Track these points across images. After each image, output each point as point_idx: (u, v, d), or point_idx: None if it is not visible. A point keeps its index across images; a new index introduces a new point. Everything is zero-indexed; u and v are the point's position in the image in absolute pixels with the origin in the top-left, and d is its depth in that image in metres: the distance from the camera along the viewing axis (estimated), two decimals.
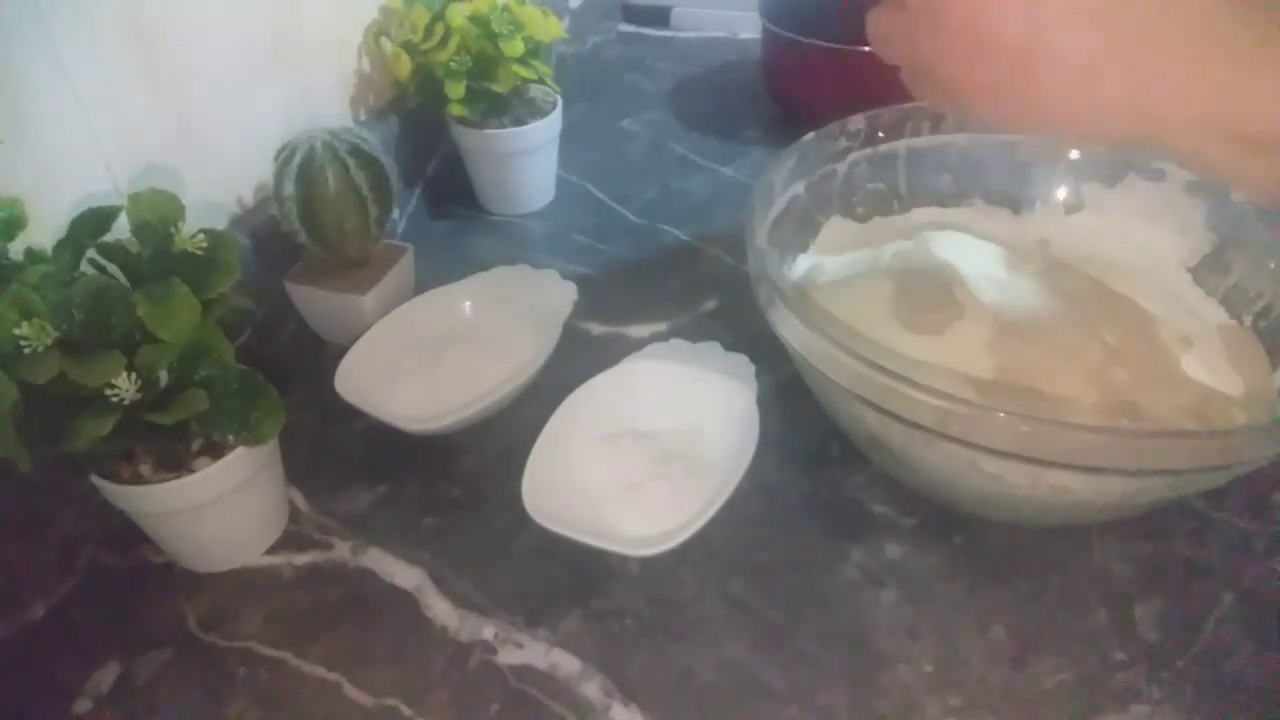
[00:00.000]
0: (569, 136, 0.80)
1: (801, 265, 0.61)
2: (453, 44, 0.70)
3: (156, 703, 0.45)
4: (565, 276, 0.67)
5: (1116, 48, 0.28)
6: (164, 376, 0.44)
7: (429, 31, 0.70)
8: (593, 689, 0.45)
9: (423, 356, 0.61)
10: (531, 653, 0.47)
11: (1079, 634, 0.47)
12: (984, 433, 0.40)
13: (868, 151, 0.63)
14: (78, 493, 0.49)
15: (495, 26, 0.69)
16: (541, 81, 0.75)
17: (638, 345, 0.61)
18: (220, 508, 0.48)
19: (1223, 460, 0.39)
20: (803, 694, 0.44)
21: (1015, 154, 0.64)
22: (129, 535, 0.50)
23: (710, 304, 0.69)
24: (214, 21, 0.58)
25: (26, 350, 0.38)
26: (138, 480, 0.46)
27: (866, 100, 0.62)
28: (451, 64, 0.70)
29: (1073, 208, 0.64)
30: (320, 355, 0.65)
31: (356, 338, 0.60)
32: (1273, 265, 0.55)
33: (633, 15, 1.16)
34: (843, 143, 0.61)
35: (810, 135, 0.59)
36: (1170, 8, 0.28)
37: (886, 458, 0.51)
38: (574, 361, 0.59)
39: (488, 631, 0.48)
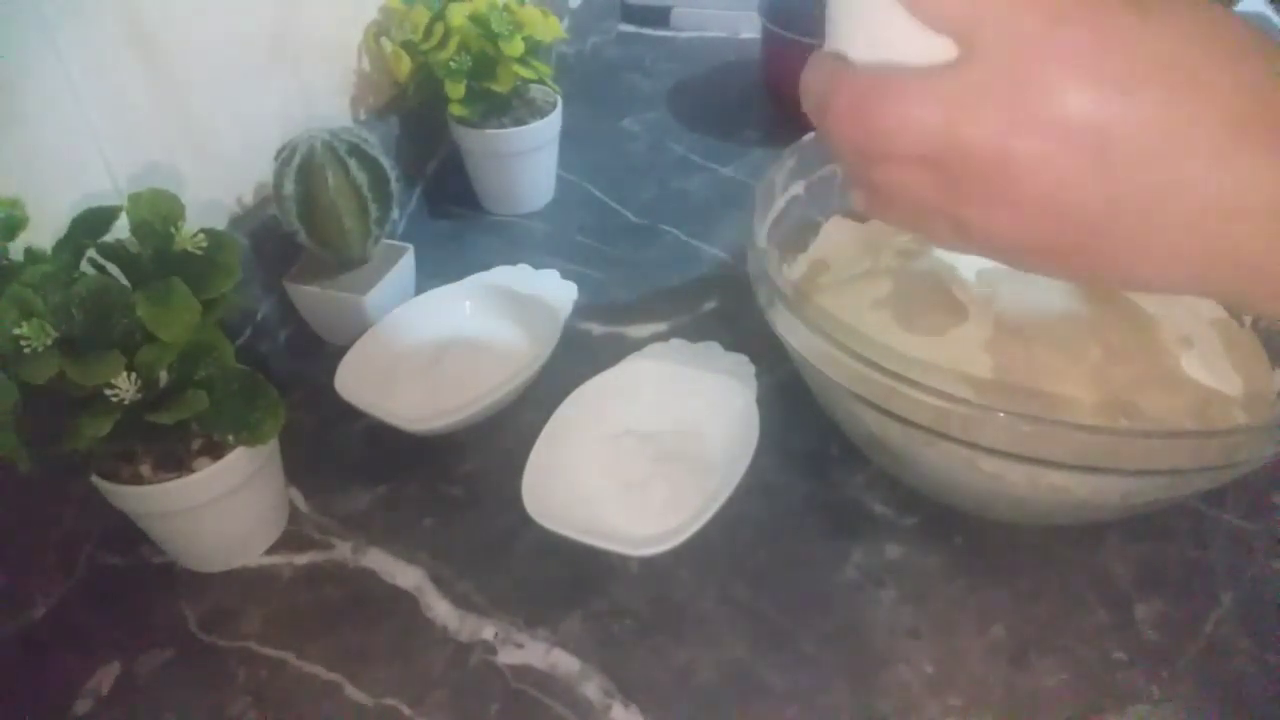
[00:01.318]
0: (569, 136, 0.80)
1: (801, 265, 0.61)
2: (453, 44, 0.70)
3: (156, 703, 0.45)
4: (565, 276, 0.67)
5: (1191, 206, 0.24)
6: (164, 376, 0.44)
7: (429, 31, 0.70)
8: (592, 689, 0.45)
9: (423, 356, 0.61)
10: (531, 653, 0.47)
11: (1079, 634, 0.47)
12: (983, 432, 0.40)
13: None
14: (78, 493, 0.49)
15: (495, 26, 0.69)
16: (541, 81, 0.75)
17: (638, 345, 0.61)
18: (220, 508, 0.48)
19: (1223, 460, 0.39)
20: (803, 694, 0.44)
21: None
22: (129, 535, 0.50)
23: (710, 304, 0.69)
24: (214, 21, 0.58)
25: (26, 350, 0.38)
26: (138, 480, 0.46)
27: None
28: (451, 64, 0.70)
29: None
30: (320, 355, 0.65)
31: (356, 338, 0.60)
32: None
33: (632, 15, 1.16)
34: None
35: (810, 135, 0.59)
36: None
37: (886, 458, 0.51)
38: (574, 361, 0.59)
39: (488, 631, 0.48)
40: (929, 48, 0.25)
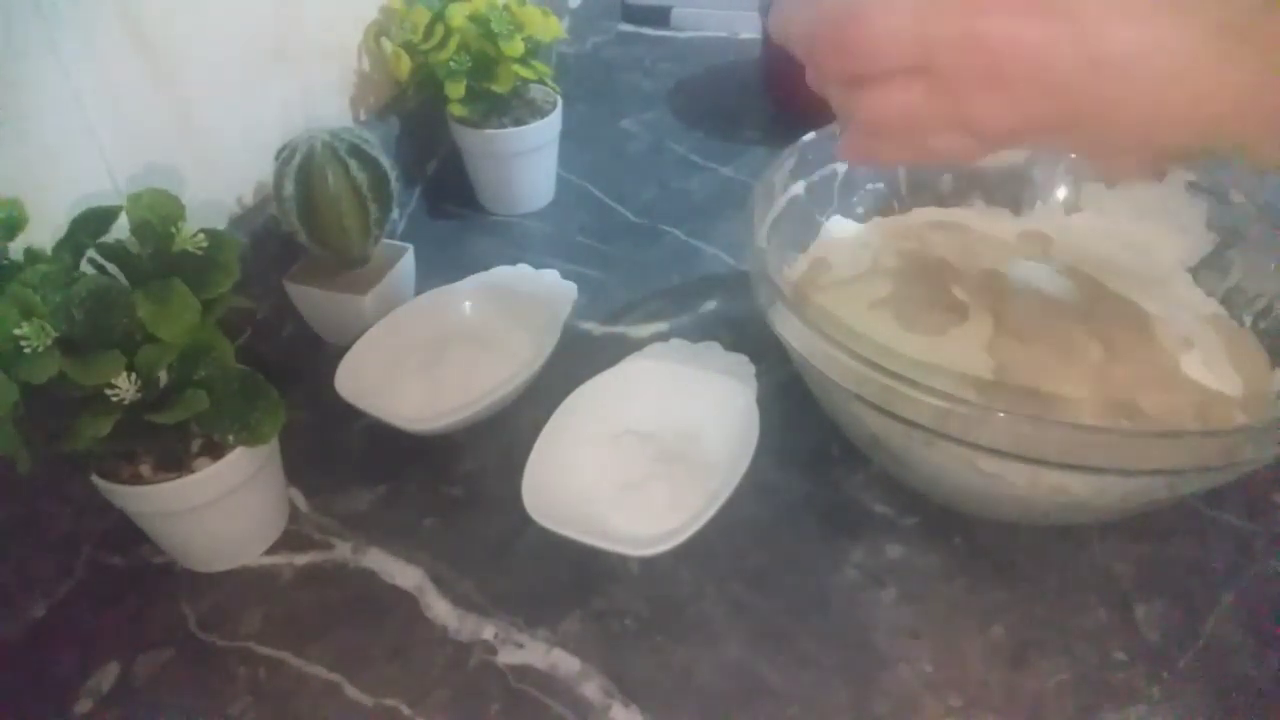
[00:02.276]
0: (569, 136, 0.80)
1: (801, 265, 0.61)
2: (453, 44, 0.70)
3: (156, 703, 0.45)
4: (565, 276, 0.67)
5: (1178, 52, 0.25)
6: (164, 376, 0.44)
7: (429, 31, 0.70)
8: (593, 689, 0.45)
9: (423, 356, 0.61)
10: (531, 653, 0.47)
11: (1079, 634, 0.47)
12: (984, 433, 0.40)
13: None
14: (78, 493, 0.49)
15: (495, 26, 0.69)
16: (541, 81, 0.75)
17: (638, 345, 0.61)
18: (220, 508, 0.48)
19: (1223, 460, 0.39)
20: (803, 694, 0.44)
21: (1015, 154, 0.64)
22: (129, 535, 0.50)
23: (710, 304, 0.69)
24: (214, 21, 0.58)
25: (26, 350, 0.38)
26: (138, 480, 0.46)
27: None
28: (451, 64, 0.70)
29: (1073, 208, 0.64)
30: (320, 355, 0.65)
31: (356, 338, 0.60)
32: (1273, 265, 0.55)
33: (633, 15, 1.16)
34: None
35: (810, 135, 0.59)
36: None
37: (886, 458, 0.51)
38: (574, 361, 0.59)
39: (488, 631, 0.48)
40: None
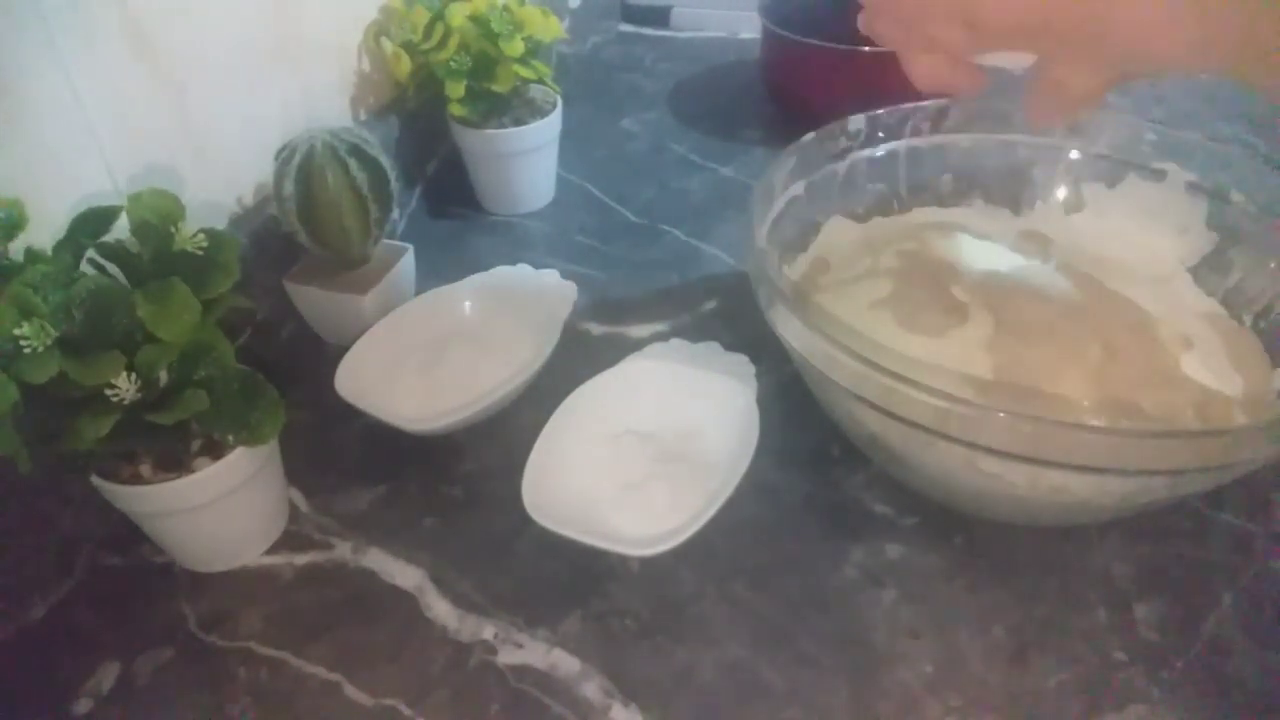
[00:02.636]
0: (569, 136, 0.80)
1: (801, 265, 0.61)
2: (453, 44, 0.70)
3: (156, 703, 0.45)
4: (565, 276, 0.67)
5: None
6: (164, 376, 0.44)
7: (429, 31, 0.70)
8: (593, 689, 0.45)
9: (423, 356, 0.61)
10: (531, 653, 0.47)
11: (1079, 634, 0.47)
12: (983, 433, 0.40)
13: (868, 152, 0.63)
14: (78, 493, 0.49)
15: (495, 26, 0.69)
16: (541, 81, 0.75)
17: (638, 345, 0.61)
18: (220, 508, 0.48)
19: (1223, 460, 0.39)
20: (803, 694, 0.45)
21: (1015, 154, 0.64)
22: (129, 535, 0.50)
23: (710, 304, 0.69)
24: (214, 21, 0.58)
25: (26, 350, 0.38)
26: (138, 480, 0.46)
27: (866, 100, 0.62)
28: (451, 64, 0.70)
29: (1073, 208, 0.64)
30: (320, 355, 0.65)
31: (356, 338, 0.60)
32: (1273, 265, 0.55)
33: (633, 15, 1.16)
34: (843, 143, 0.61)
35: (810, 135, 0.59)
36: None
37: (886, 458, 0.51)
38: (574, 361, 0.59)
39: (488, 631, 0.48)
40: None
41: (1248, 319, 0.55)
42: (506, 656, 0.47)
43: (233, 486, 0.47)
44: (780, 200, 0.58)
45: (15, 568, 0.48)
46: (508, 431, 0.57)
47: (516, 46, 0.70)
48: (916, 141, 0.63)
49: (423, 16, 0.70)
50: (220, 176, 0.61)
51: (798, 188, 0.59)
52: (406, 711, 0.44)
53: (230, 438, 0.46)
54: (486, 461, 0.57)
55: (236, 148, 0.62)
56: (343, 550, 0.52)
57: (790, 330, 0.46)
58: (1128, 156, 0.61)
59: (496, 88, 0.72)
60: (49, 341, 0.39)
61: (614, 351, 0.60)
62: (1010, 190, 0.65)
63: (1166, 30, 0.28)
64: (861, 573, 0.50)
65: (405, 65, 0.71)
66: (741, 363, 0.58)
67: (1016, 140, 0.63)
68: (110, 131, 0.51)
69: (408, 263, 0.67)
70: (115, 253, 0.44)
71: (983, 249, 0.60)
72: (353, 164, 0.59)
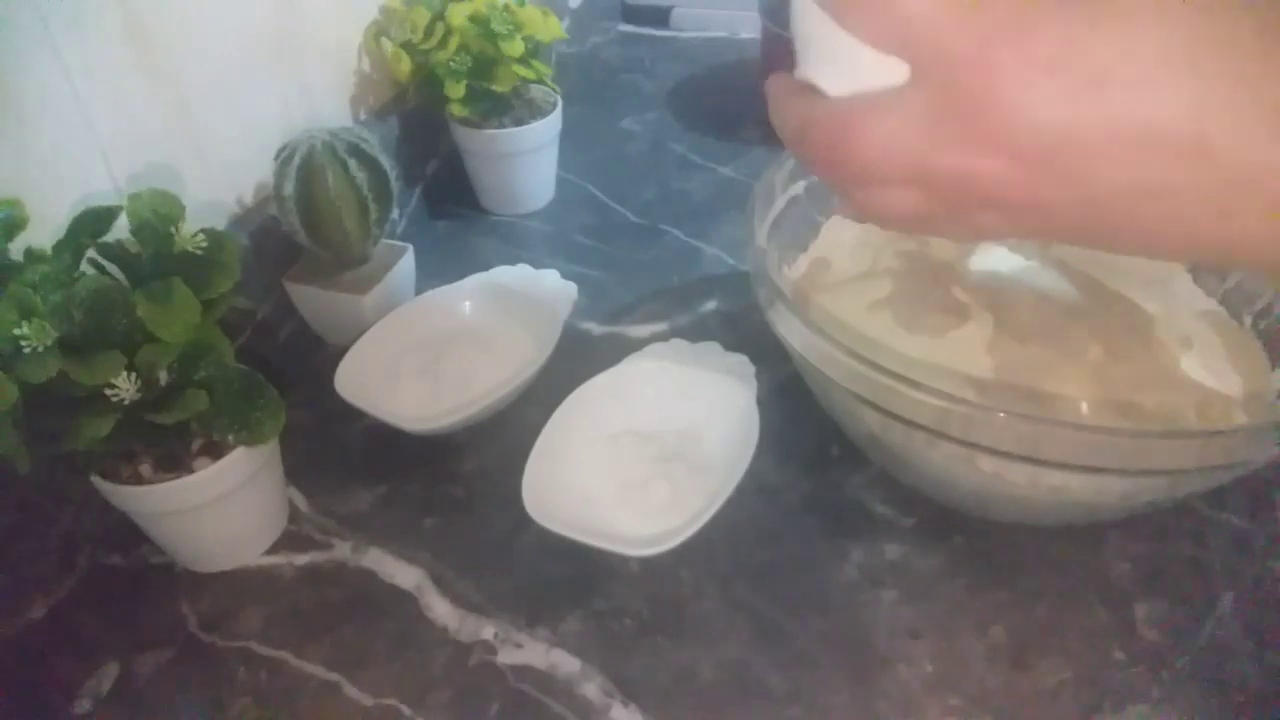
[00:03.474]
0: (569, 136, 0.80)
1: (801, 265, 0.61)
2: (453, 44, 0.70)
3: (156, 703, 0.45)
4: (565, 276, 0.67)
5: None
6: (164, 376, 0.44)
7: (429, 31, 0.70)
8: (593, 689, 0.45)
9: (423, 356, 0.61)
10: (531, 653, 0.47)
11: (1079, 634, 0.47)
12: (984, 433, 0.40)
13: None
14: (78, 493, 0.49)
15: (495, 26, 0.69)
16: (541, 81, 0.75)
17: (638, 345, 0.61)
18: (220, 508, 0.48)
19: (1223, 460, 0.39)
20: (803, 694, 0.44)
21: None
22: (129, 535, 0.50)
23: (710, 304, 0.69)
24: (214, 21, 0.58)
25: (26, 350, 0.38)
26: (138, 480, 0.46)
27: None
28: (451, 64, 0.70)
29: None
30: (320, 355, 0.65)
31: (356, 338, 0.60)
32: None
33: (633, 15, 1.16)
34: None
35: None
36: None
37: (886, 458, 0.51)
38: (574, 361, 0.59)
39: (488, 631, 0.48)
40: (893, 68, 0.25)
41: (1247, 319, 0.55)
42: (506, 656, 0.47)
43: (233, 486, 0.47)
44: (780, 200, 0.58)
45: (15, 568, 0.48)
46: (508, 431, 0.57)
47: (516, 46, 0.70)
48: None
49: (423, 16, 0.70)
50: (220, 176, 0.61)
51: (798, 188, 0.59)
52: (406, 711, 0.44)
53: (230, 438, 0.46)
54: (486, 461, 0.57)
55: (236, 148, 0.62)
56: (343, 550, 0.52)
57: (790, 330, 0.46)
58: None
59: (496, 88, 0.72)
60: (49, 341, 0.39)
61: (614, 351, 0.60)
62: None
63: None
64: (861, 573, 0.50)
65: (405, 65, 0.71)
66: (741, 363, 0.58)
67: None
68: (110, 131, 0.51)
69: (408, 263, 0.67)
70: (115, 253, 0.44)
71: (983, 249, 0.60)
72: (353, 164, 0.59)
